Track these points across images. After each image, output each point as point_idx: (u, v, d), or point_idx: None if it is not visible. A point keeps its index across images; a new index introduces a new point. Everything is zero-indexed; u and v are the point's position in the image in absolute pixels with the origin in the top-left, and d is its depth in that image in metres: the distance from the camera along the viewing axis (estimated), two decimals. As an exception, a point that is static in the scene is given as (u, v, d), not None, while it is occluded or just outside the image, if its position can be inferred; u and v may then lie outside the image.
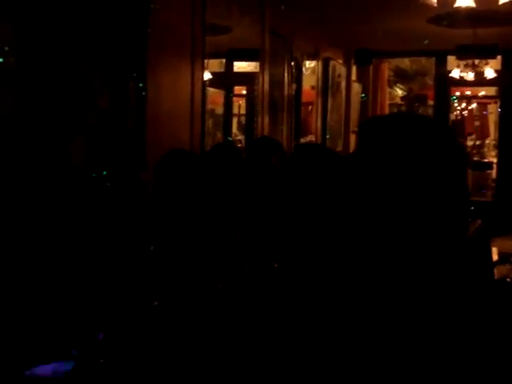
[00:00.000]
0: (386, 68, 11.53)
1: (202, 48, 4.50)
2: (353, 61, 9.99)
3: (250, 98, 8.03)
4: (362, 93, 10.53)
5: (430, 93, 12.40)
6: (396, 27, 7.88)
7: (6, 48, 2.50)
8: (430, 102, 12.80)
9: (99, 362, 1.80)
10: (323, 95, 8.70)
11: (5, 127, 2.54)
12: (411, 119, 1.40)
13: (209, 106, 5.39)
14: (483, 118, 15.40)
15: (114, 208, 2.16)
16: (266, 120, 6.42)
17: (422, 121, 1.37)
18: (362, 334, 1.38)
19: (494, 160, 11.72)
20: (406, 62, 15.28)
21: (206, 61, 4.80)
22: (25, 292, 1.98)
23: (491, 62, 9.15)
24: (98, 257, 2.07)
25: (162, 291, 2.03)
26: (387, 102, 12.03)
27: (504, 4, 5.85)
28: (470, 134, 15.38)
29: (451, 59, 9.68)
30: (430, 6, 6.07)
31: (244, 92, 8.79)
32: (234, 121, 8.47)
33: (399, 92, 16.43)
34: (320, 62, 8.49)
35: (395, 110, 15.29)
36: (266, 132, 6.30)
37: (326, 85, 8.68)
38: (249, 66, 8.05)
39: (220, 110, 7.23)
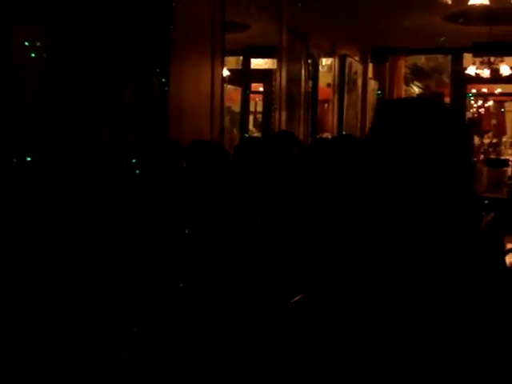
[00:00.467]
0: (403, 65, 11.55)
1: (221, 45, 4.61)
2: (369, 58, 10.04)
3: (266, 95, 8.10)
4: (378, 90, 10.58)
5: (447, 90, 12.39)
6: (412, 25, 7.92)
7: (39, 44, 2.62)
8: (447, 100, 12.80)
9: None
10: (339, 92, 8.75)
11: (38, 119, 2.66)
12: (422, 103, 1.51)
13: (226, 103, 5.48)
14: (500, 116, 15.37)
15: (149, 194, 2.27)
16: (284, 116, 6.51)
17: (432, 104, 1.48)
18: (375, 319, 1.46)
19: (511, 158, 11.72)
20: (422, 60, 15.27)
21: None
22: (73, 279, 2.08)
23: (507, 59, 9.17)
24: (132, 241, 2.18)
25: (189, 273, 2.14)
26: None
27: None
28: (487, 132, 15.36)
29: (467, 57, 9.71)
30: (445, 4, 6.14)
31: (261, 89, 8.87)
32: (251, 118, 8.54)
33: (415, 89, 16.42)
34: (336, 59, 8.55)
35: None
36: (283, 128, 6.39)
37: (343, 82, 8.73)
38: (265, 63, 8.12)
39: (237, 107, 7.31)
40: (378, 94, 10.54)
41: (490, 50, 8.54)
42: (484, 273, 1.53)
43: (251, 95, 8.36)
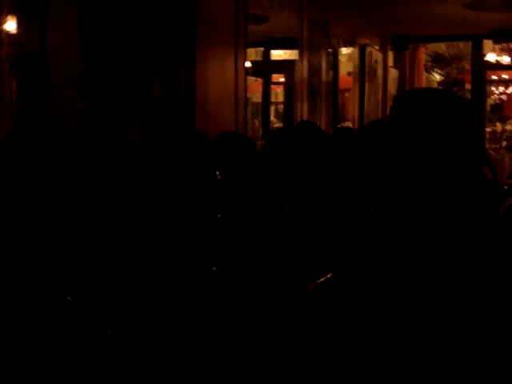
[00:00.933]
0: (423, 53, 11.54)
1: (244, 37, 4.71)
2: (389, 46, 10.05)
3: (288, 86, 8.16)
4: (399, 78, 10.60)
5: (468, 77, 12.38)
6: (432, 12, 7.94)
7: (72, 43, 2.75)
8: (468, 86, 12.77)
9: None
10: (360, 82, 8.79)
11: (73, 115, 2.79)
12: (435, 94, 1.62)
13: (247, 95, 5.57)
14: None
15: (181, 184, 2.38)
16: (305, 107, 6.59)
17: (445, 95, 1.59)
18: (396, 299, 1.55)
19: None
20: (442, 47, 15.23)
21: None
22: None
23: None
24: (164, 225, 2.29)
25: (221, 257, 2.26)
26: (424, 86, 12.07)
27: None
28: (509, 118, 15.30)
29: (488, 43, 9.71)
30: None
31: (282, 80, 8.94)
32: (272, 108, 8.61)
33: (437, 77, 16.38)
34: (357, 49, 8.59)
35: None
36: (305, 118, 6.47)
37: (363, 71, 8.77)
38: (285, 53, 8.19)
39: (257, 98, 7.39)
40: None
41: (509, 37, 8.55)
42: (499, 257, 1.61)
43: (272, 86, 8.44)
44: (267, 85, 8.06)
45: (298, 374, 1.70)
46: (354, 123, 8.82)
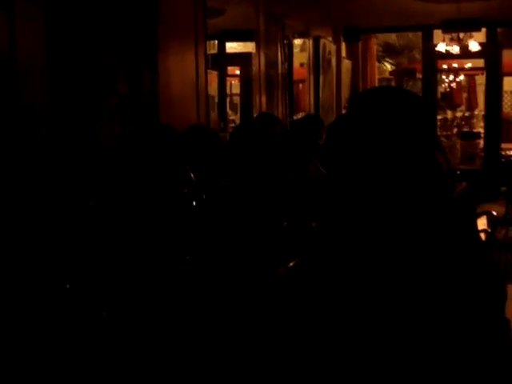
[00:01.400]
0: (375, 43, 11.74)
1: (204, 32, 4.79)
2: (342, 38, 10.20)
3: (244, 78, 8.22)
4: (352, 69, 10.77)
5: (419, 66, 12.63)
6: (382, 4, 8.12)
7: (39, 42, 2.79)
8: (419, 76, 13.04)
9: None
10: (315, 73, 8.90)
11: (42, 113, 2.84)
12: (387, 91, 1.80)
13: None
14: (471, 90, 15.69)
15: (151, 176, 2.46)
16: (264, 99, 6.69)
17: (395, 91, 1.76)
18: (361, 280, 1.68)
19: (482, 130, 12.04)
20: (393, 37, 15.50)
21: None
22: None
23: (475, 35, 9.43)
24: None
25: (194, 247, 2.35)
26: (377, 76, 12.28)
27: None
28: (459, 106, 15.68)
29: (438, 33, 9.93)
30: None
31: (237, 72, 8.99)
32: (226, 101, 8.64)
33: (388, 67, 16.67)
34: (310, 41, 8.71)
35: (385, 84, 15.57)
36: (263, 111, 6.57)
37: (318, 63, 8.89)
38: (239, 46, 8.24)
39: (212, 91, 7.44)
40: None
41: (458, 27, 8.79)
42: (456, 237, 1.75)
43: (226, 78, 8.49)
44: (223, 77, 8.12)
45: (273, 349, 1.81)
46: (309, 113, 8.93)
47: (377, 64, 12.63)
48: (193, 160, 2.72)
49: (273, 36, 7.00)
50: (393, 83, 15.65)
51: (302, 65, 9.58)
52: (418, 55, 13.91)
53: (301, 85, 9.69)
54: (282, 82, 7.38)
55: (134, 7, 3.59)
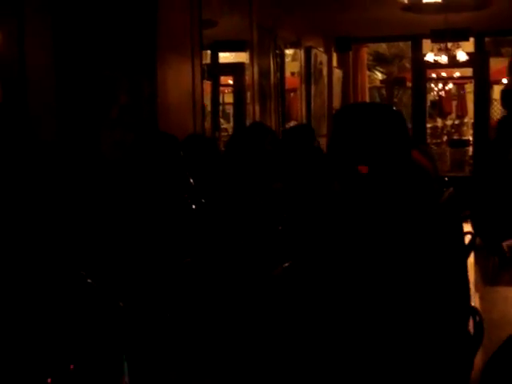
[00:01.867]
0: (365, 53, 11.90)
1: (199, 43, 4.95)
2: (333, 48, 10.34)
3: (237, 88, 8.34)
4: (343, 78, 10.91)
5: (409, 75, 12.80)
6: (372, 15, 8.28)
7: (47, 58, 2.95)
8: (409, 84, 13.21)
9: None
10: (306, 82, 9.03)
11: (48, 124, 3.01)
12: (368, 107, 2.28)
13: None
14: (460, 98, 15.89)
15: (152, 183, 2.60)
16: (257, 108, 6.83)
17: (375, 107, 2.14)
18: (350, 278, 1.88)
19: (472, 138, 12.22)
20: (383, 47, 15.71)
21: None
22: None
23: (463, 45, 9.62)
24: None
25: (194, 250, 2.49)
26: (367, 85, 12.44)
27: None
28: (449, 114, 15.87)
29: (427, 43, 10.10)
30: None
31: (230, 82, 9.11)
32: (219, 110, 8.74)
33: (379, 75, 16.86)
34: (302, 51, 8.84)
35: (375, 93, 15.80)
36: (256, 119, 6.72)
37: (309, 72, 9.00)
38: (231, 55, 8.37)
39: (207, 101, 7.56)
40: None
41: (446, 37, 8.97)
42: (443, 237, 1.93)
43: (219, 87, 8.60)
44: (216, 87, 8.24)
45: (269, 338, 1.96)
46: (301, 122, 9.05)
47: (367, 73, 12.81)
48: (193, 167, 2.87)
49: (265, 47, 7.14)
50: (383, 91, 15.87)
51: (293, 74, 9.70)
52: (408, 64, 14.09)
53: (292, 94, 9.82)
54: (274, 92, 7.52)
55: (134, 22, 3.76)
